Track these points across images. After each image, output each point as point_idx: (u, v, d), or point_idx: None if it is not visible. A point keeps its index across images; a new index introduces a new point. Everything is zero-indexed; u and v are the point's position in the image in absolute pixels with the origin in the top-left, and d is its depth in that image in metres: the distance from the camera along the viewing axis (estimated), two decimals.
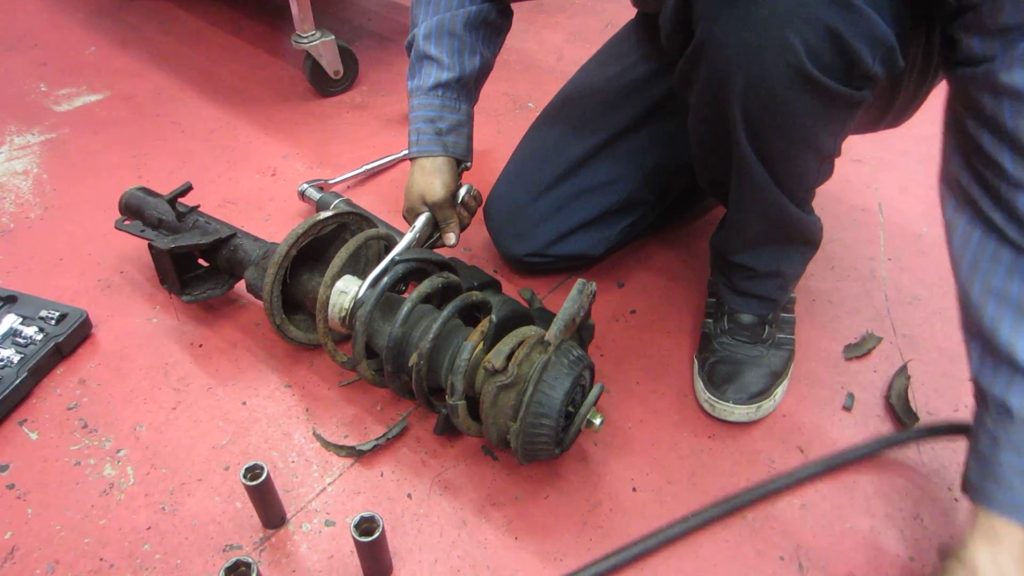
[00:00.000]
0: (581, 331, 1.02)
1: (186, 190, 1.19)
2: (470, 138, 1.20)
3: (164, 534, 0.97)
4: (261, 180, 1.55)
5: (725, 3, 0.80)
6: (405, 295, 1.10)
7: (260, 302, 1.22)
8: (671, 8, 0.90)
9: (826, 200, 1.50)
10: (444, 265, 1.09)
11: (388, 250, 1.11)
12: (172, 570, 0.93)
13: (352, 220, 1.14)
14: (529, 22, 2.05)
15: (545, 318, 1.14)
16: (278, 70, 1.90)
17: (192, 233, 1.17)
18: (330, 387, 1.15)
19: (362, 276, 1.07)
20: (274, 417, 1.11)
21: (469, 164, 1.20)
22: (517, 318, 1.00)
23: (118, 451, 1.06)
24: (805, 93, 0.80)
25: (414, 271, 1.07)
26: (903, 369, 1.18)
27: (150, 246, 1.14)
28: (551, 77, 1.86)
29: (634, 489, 1.03)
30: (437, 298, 1.10)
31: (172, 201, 1.18)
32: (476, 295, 1.03)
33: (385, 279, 1.02)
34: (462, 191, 1.19)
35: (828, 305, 1.31)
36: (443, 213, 1.16)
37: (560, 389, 0.91)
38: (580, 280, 0.97)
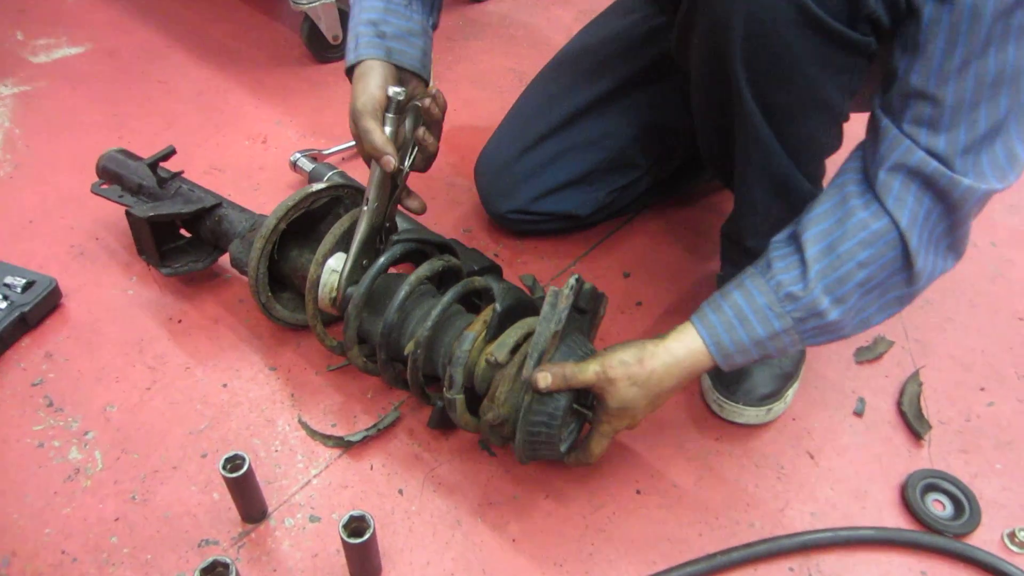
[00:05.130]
0: (599, 305, 0.94)
1: (168, 154, 1.11)
2: (426, 53, 1.00)
3: (134, 526, 0.90)
4: (251, 147, 1.46)
5: None
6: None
7: (245, 278, 1.14)
8: None
9: None
10: (444, 247, 1.02)
11: (389, 229, 1.01)
12: (141, 566, 0.87)
13: (347, 194, 1.06)
14: None
15: None
16: (273, 32, 1.80)
17: (174, 201, 1.10)
18: (317, 372, 1.09)
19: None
20: (257, 402, 1.04)
21: (427, 80, 1.01)
22: (521, 307, 0.93)
23: (86, 433, 0.99)
24: (809, 35, 0.76)
25: (412, 252, 1.00)
26: (915, 375, 1.14)
27: (128, 213, 1.06)
28: None
29: (638, 491, 0.98)
30: (435, 282, 1.03)
31: (153, 165, 1.10)
32: (479, 281, 0.97)
33: (382, 260, 0.95)
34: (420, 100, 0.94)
35: None
36: (362, 124, 0.90)
37: (563, 396, 0.85)
38: (552, 289, 0.86)
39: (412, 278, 0.93)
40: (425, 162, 0.96)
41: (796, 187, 0.94)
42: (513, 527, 0.93)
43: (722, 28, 0.79)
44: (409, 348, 0.91)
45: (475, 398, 0.92)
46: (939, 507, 0.99)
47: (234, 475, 0.84)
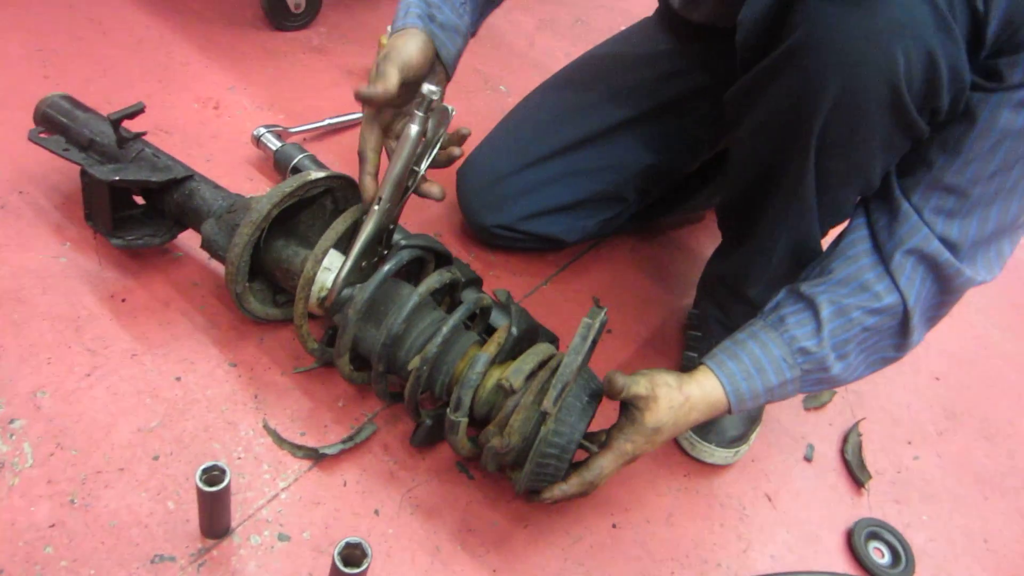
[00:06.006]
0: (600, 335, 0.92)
1: (137, 111, 0.97)
2: (460, 54, 0.99)
3: (73, 535, 0.78)
4: (202, 112, 1.32)
5: (836, 9, 0.77)
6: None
7: (201, 256, 1.04)
8: (759, 11, 0.85)
9: None
10: (446, 257, 0.96)
11: (391, 232, 0.94)
12: None
13: (339, 186, 0.98)
14: None
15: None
16: None
17: (138, 166, 0.97)
18: (283, 372, 1.00)
19: (345, 253, 0.92)
20: (215, 400, 0.94)
21: (450, 79, 1.00)
22: (532, 332, 0.90)
23: (11, 421, 0.86)
24: (888, 115, 0.79)
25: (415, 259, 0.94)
26: (855, 427, 1.20)
27: (84, 173, 0.93)
28: (523, 63, 1.75)
29: (614, 525, 0.97)
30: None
31: (116, 123, 0.96)
32: (487, 299, 0.92)
33: (389, 265, 0.88)
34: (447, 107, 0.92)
35: None
36: (383, 66, 0.87)
37: (578, 432, 0.82)
38: (585, 321, 0.83)
39: (422, 288, 0.87)
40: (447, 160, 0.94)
41: (814, 248, 0.98)
42: (493, 557, 0.89)
43: (812, 91, 0.79)
44: (414, 364, 0.85)
45: (471, 421, 0.88)
46: (879, 555, 1.05)
47: (212, 489, 0.74)
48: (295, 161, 1.18)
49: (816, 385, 0.90)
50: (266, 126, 1.24)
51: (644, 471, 1.04)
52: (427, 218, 1.28)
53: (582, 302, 1.25)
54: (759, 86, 0.86)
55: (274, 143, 1.22)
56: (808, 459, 1.14)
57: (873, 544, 1.06)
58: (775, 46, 0.83)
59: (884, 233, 0.87)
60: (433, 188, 0.93)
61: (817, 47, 0.78)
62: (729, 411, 0.88)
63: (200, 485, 0.74)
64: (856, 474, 1.14)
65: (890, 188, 0.87)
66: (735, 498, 1.05)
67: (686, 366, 1.15)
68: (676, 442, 1.09)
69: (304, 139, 1.33)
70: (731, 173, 1.00)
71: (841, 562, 1.03)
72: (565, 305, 1.23)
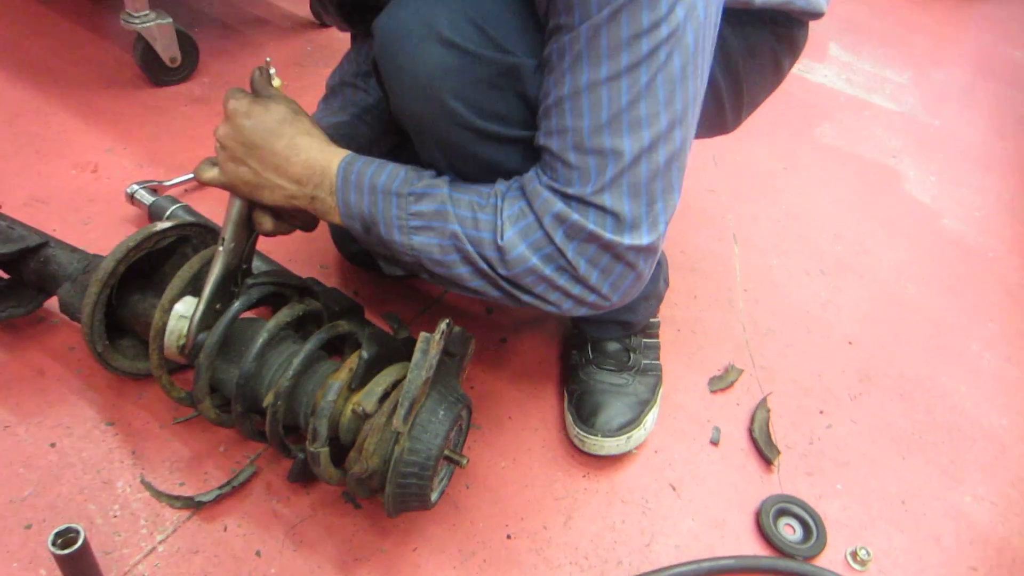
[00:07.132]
0: (467, 347, 0.92)
1: None
2: (340, 127, 1.02)
3: None
4: (79, 177, 1.33)
5: (390, 67, 0.78)
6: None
7: (77, 324, 1.03)
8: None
9: (685, 229, 1.52)
10: (304, 289, 0.97)
11: (246, 271, 0.94)
12: None
13: (195, 233, 0.99)
14: None
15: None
16: (101, 51, 1.66)
17: None
18: (162, 425, 0.99)
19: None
20: (92, 462, 0.94)
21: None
22: (388, 353, 0.90)
23: None
24: (483, 142, 0.80)
25: (270, 295, 0.94)
26: (763, 402, 1.20)
27: None
28: None
29: (509, 536, 0.97)
30: (294, 326, 0.97)
31: None
32: (343, 326, 0.92)
33: (237, 304, 0.88)
34: None
35: (692, 336, 1.31)
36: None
37: (435, 447, 0.82)
38: (424, 335, 0.81)
39: (271, 324, 0.87)
40: None
41: None
42: None
43: (414, 134, 0.84)
44: (268, 400, 0.85)
45: (340, 449, 0.87)
46: (790, 531, 1.04)
47: (66, 552, 0.74)
48: (168, 213, 1.19)
49: (422, 222, 0.79)
50: (139, 182, 1.25)
51: (540, 476, 1.04)
52: (313, 251, 1.29)
53: (475, 316, 1.26)
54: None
55: (148, 198, 1.22)
56: (715, 442, 1.14)
57: (784, 521, 1.05)
58: None
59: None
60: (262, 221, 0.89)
61: (394, 104, 0.82)
62: (329, 179, 0.81)
63: (53, 550, 0.74)
64: (764, 451, 1.13)
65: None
66: (637, 492, 1.05)
67: (571, 364, 1.15)
68: (570, 441, 1.08)
69: (184, 191, 1.33)
70: None
71: (751, 543, 1.02)
72: (459, 321, 1.24)
